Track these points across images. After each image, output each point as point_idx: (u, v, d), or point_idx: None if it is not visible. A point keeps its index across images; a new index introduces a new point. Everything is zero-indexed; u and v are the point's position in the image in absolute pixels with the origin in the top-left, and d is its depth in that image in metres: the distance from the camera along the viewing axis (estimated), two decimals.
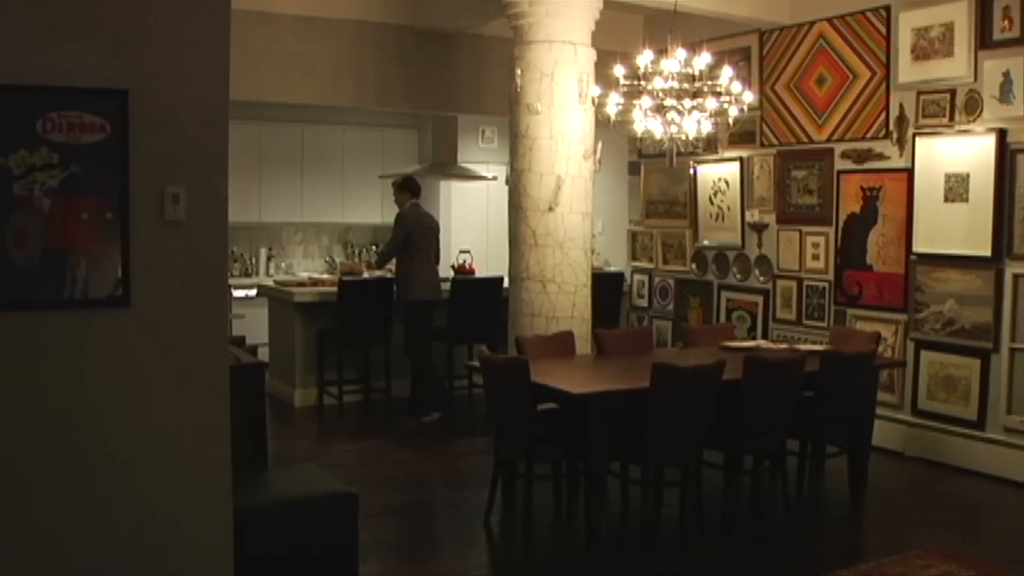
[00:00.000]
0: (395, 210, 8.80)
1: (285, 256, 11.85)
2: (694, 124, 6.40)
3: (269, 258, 11.64)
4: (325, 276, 10.55)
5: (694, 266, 9.55)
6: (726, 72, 6.37)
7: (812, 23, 8.17)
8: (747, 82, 7.91)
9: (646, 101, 6.30)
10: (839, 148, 8.00)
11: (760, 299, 8.82)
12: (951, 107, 7.09)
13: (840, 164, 8.00)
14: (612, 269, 10.54)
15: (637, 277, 10.32)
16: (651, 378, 5.33)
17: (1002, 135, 6.75)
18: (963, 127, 7.00)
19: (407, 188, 8.71)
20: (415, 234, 8.53)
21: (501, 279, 8.81)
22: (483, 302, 8.94)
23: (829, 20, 8.02)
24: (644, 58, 6.20)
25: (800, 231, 8.41)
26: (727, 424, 5.70)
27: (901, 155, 7.48)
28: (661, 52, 6.30)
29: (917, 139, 7.31)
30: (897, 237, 7.53)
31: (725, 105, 6.40)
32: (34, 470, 3.44)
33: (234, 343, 5.43)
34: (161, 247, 3.60)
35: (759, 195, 8.78)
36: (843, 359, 6.17)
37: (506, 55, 7.68)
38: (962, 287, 7.06)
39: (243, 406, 4.47)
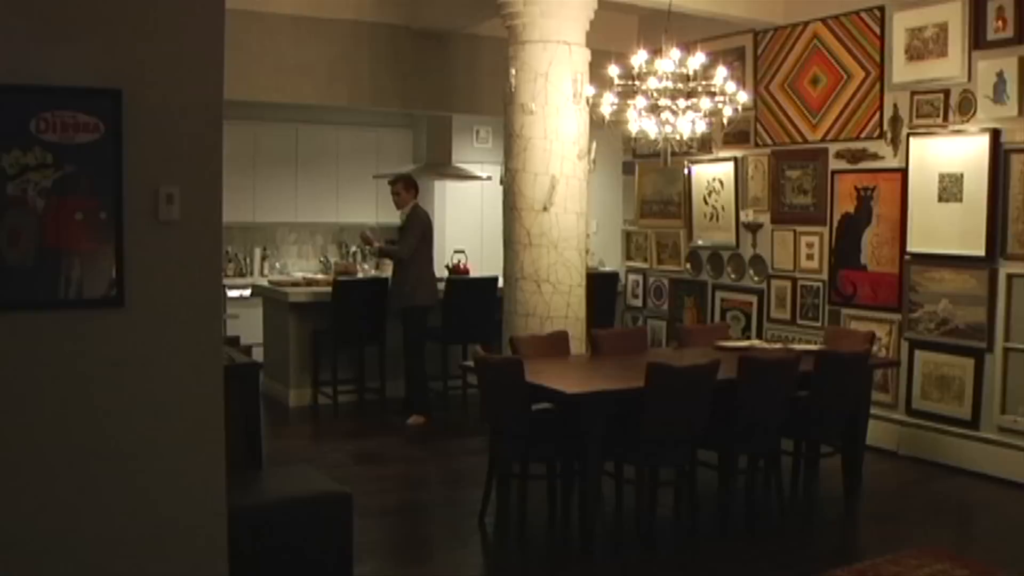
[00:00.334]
0: (391, 209, 8.79)
1: (279, 256, 11.83)
2: (688, 124, 6.41)
3: (263, 258, 11.62)
4: (319, 276, 10.56)
5: (688, 266, 9.56)
6: (720, 72, 6.37)
7: (806, 23, 8.18)
8: (741, 82, 7.92)
9: (640, 101, 6.31)
10: (833, 148, 8.00)
11: (754, 299, 8.83)
12: (945, 107, 7.10)
13: (834, 164, 8.00)
14: (607, 269, 10.54)
15: (632, 277, 10.32)
16: (646, 378, 5.33)
17: (996, 135, 6.76)
18: (957, 127, 7.02)
19: (413, 186, 8.67)
20: (426, 236, 8.52)
21: (496, 279, 8.80)
22: (478, 302, 8.94)
23: (823, 20, 8.03)
24: (638, 58, 6.20)
25: (794, 231, 8.42)
26: (722, 424, 5.70)
27: (895, 155, 7.49)
28: (655, 52, 6.30)
29: (911, 139, 7.32)
30: (891, 237, 7.54)
31: (719, 105, 6.40)
32: (29, 471, 3.44)
33: (228, 343, 5.44)
34: (155, 247, 3.59)
35: (753, 195, 8.78)
36: (837, 359, 6.17)
37: (501, 55, 7.68)
38: (956, 287, 7.07)
39: (238, 406, 4.47)
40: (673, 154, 7.37)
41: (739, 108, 6.57)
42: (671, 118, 6.36)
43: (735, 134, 8.71)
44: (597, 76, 6.85)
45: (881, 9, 7.54)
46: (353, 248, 11.98)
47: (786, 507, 6.19)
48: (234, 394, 4.23)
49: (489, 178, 11.27)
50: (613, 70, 6.30)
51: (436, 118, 11.15)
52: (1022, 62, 6.58)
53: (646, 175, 10.04)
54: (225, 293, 9.77)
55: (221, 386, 3.77)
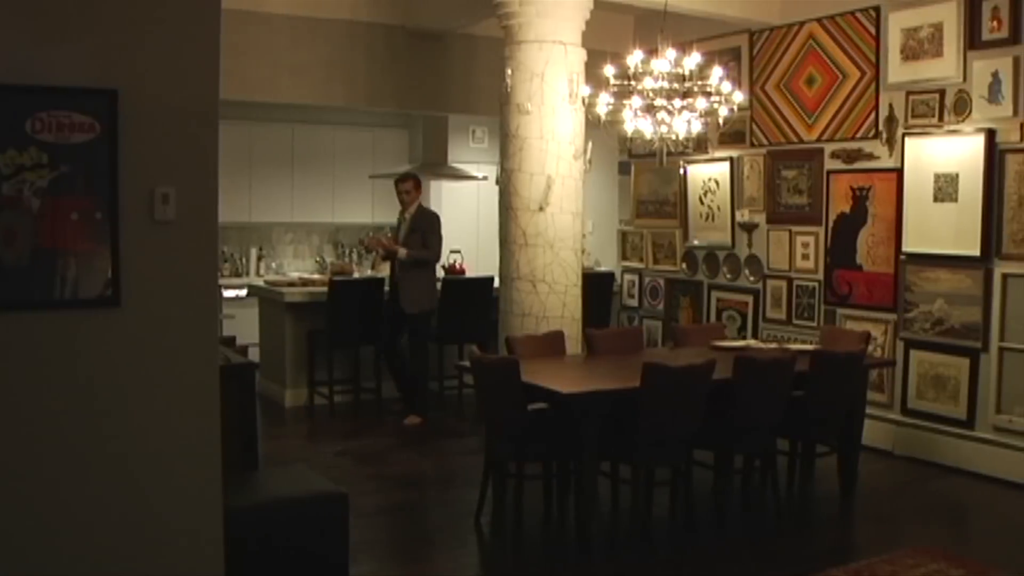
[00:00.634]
0: (387, 209, 8.74)
1: (275, 256, 11.82)
2: (684, 124, 6.41)
3: (259, 258, 11.61)
4: (315, 276, 10.54)
5: (684, 266, 9.56)
6: (716, 72, 6.37)
7: (802, 23, 8.19)
8: (737, 82, 7.92)
9: (636, 101, 6.31)
10: (829, 148, 8.01)
11: (750, 299, 8.84)
12: (940, 107, 7.11)
13: (830, 164, 8.01)
14: (602, 269, 10.55)
15: (627, 277, 10.33)
16: (641, 378, 5.33)
17: (991, 135, 6.77)
18: (952, 127, 7.02)
19: (420, 185, 8.67)
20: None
21: (491, 279, 8.80)
22: (473, 302, 8.94)
23: (819, 20, 8.03)
24: (634, 58, 6.20)
25: (790, 231, 8.42)
26: (717, 424, 5.70)
27: (891, 155, 7.50)
28: (651, 52, 6.30)
29: (906, 139, 7.33)
30: (887, 237, 7.55)
31: (715, 105, 6.40)
32: (25, 471, 3.43)
33: (224, 343, 5.44)
34: (151, 247, 3.59)
35: (749, 195, 8.79)
36: (833, 359, 6.18)
37: (496, 55, 7.68)
38: (951, 287, 7.08)
39: (233, 406, 4.47)
40: (669, 154, 7.36)
41: (735, 108, 6.57)
42: (667, 118, 6.36)
43: (731, 134, 8.72)
44: (593, 76, 6.85)
45: (876, 9, 7.55)
46: (349, 248, 11.98)
47: (782, 507, 6.19)
48: (230, 394, 4.23)
49: (485, 178, 11.27)
50: (609, 70, 6.30)
51: (432, 118, 11.15)
52: (1017, 62, 6.59)
53: (642, 175, 10.04)
54: (221, 293, 9.75)
55: (217, 386, 3.77)
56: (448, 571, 5.32)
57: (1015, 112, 6.62)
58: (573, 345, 7.20)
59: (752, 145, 8.73)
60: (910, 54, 7.27)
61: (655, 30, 6.42)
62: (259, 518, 4.32)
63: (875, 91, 7.58)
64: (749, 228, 8.79)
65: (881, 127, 7.55)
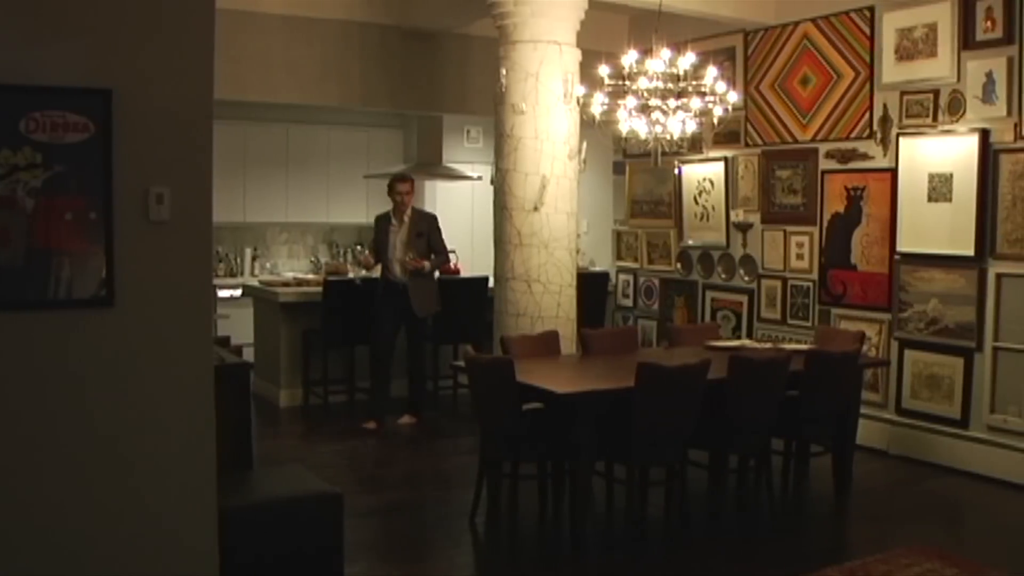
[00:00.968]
0: (381, 209, 8.62)
1: (270, 256, 11.81)
2: (679, 124, 6.41)
3: (254, 258, 11.61)
4: (310, 276, 10.54)
5: (679, 266, 9.57)
6: (711, 72, 6.37)
7: (796, 23, 8.19)
8: (732, 82, 7.92)
9: (631, 101, 6.30)
10: (823, 148, 8.02)
11: (745, 299, 8.84)
12: (934, 107, 7.12)
13: (824, 164, 8.02)
14: (597, 269, 10.56)
15: (622, 277, 10.33)
16: (636, 378, 5.34)
17: (985, 135, 6.78)
18: (946, 127, 7.03)
19: (414, 186, 8.57)
20: None
21: (486, 279, 8.80)
22: (468, 302, 8.94)
23: (813, 20, 8.04)
24: (629, 58, 6.20)
25: (785, 231, 8.43)
26: (712, 423, 5.71)
27: (885, 155, 7.51)
28: (646, 52, 6.30)
29: (901, 139, 7.34)
30: (881, 237, 7.56)
31: (710, 105, 6.40)
32: (19, 471, 3.43)
33: (219, 343, 5.42)
34: (145, 247, 3.59)
35: (744, 195, 8.80)
36: (827, 358, 6.19)
37: (491, 55, 7.68)
38: (946, 286, 7.08)
39: (228, 406, 4.46)
40: (663, 154, 7.38)
41: (729, 108, 6.57)
42: (661, 118, 6.36)
43: (725, 134, 8.72)
44: (588, 76, 6.85)
45: (871, 9, 7.56)
46: (344, 248, 11.97)
47: (776, 506, 6.20)
48: (225, 394, 4.22)
49: (480, 178, 11.27)
50: (603, 70, 6.30)
51: (427, 118, 11.14)
52: (1011, 62, 6.60)
53: (636, 175, 10.04)
54: (215, 293, 9.74)
55: (212, 386, 3.77)
56: (443, 571, 5.32)
57: (1009, 112, 6.63)
58: (568, 345, 7.20)
59: (747, 145, 8.73)
60: (904, 54, 7.29)
61: (650, 30, 6.42)
62: (254, 518, 4.31)
63: (869, 91, 7.59)
64: (744, 228, 8.79)
65: (875, 127, 7.56)
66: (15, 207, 3.38)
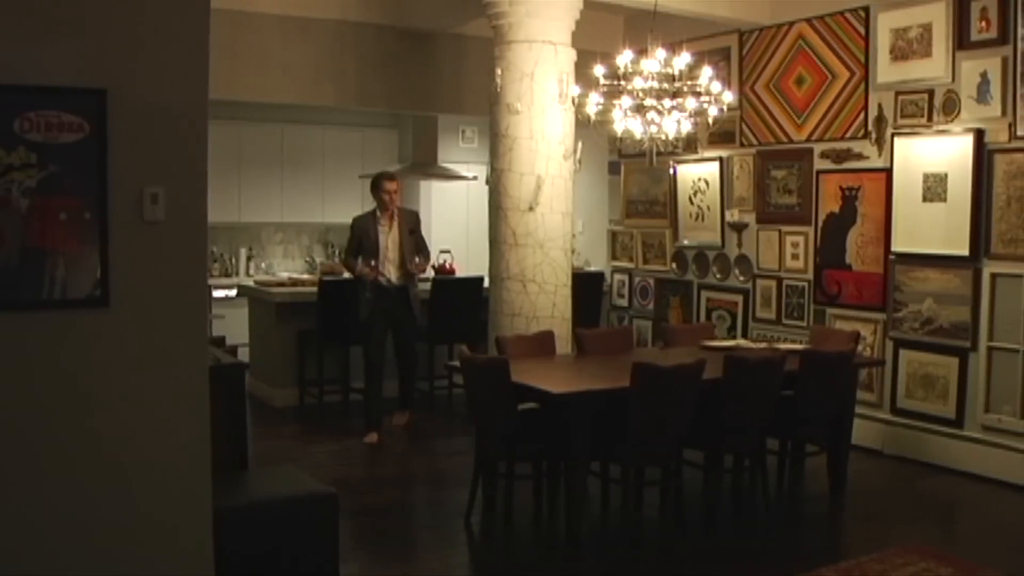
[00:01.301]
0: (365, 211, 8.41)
1: (265, 256, 11.80)
2: (674, 124, 6.42)
3: (249, 258, 11.59)
4: (305, 276, 10.53)
5: (674, 265, 9.57)
6: (706, 72, 6.38)
7: (791, 23, 8.20)
8: (727, 82, 7.93)
9: (626, 101, 6.31)
10: (818, 148, 8.03)
11: (740, 298, 8.85)
12: (929, 107, 7.13)
13: (819, 164, 8.03)
14: (592, 269, 10.55)
15: (617, 277, 10.33)
16: (631, 378, 5.34)
17: (979, 135, 6.79)
18: (941, 127, 7.04)
19: None
20: None
21: (481, 279, 8.80)
22: (463, 302, 8.93)
23: (808, 21, 8.05)
24: (624, 58, 6.21)
25: (780, 231, 8.44)
26: (707, 423, 5.71)
27: (880, 155, 7.51)
28: (641, 52, 6.31)
29: (896, 139, 7.35)
30: (876, 237, 7.56)
31: (705, 105, 6.42)
32: (13, 471, 3.42)
33: (214, 343, 5.42)
34: (140, 247, 3.58)
35: (739, 195, 8.80)
36: (822, 358, 6.19)
37: (486, 55, 7.67)
38: (940, 286, 7.09)
39: (223, 407, 4.46)
40: (658, 154, 7.37)
41: (724, 108, 6.59)
42: (656, 118, 6.37)
43: (720, 134, 8.73)
44: (583, 76, 6.85)
45: (866, 9, 7.57)
46: (339, 248, 11.96)
47: (771, 506, 6.20)
48: (220, 394, 4.22)
49: (475, 178, 11.26)
50: (599, 70, 6.31)
51: (422, 118, 11.13)
52: (1005, 63, 6.61)
53: (631, 175, 10.05)
54: (210, 293, 9.74)
55: (206, 386, 3.76)
56: (438, 571, 5.31)
57: (1003, 112, 6.65)
58: (563, 345, 7.20)
59: (742, 145, 8.74)
60: (899, 54, 7.29)
61: (645, 30, 6.43)
62: (249, 518, 4.31)
63: (864, 91, 7.60)
64: (739, 228, 8.80)
65: (870, 127, 7.56)
66: (10, 207, 3.38)
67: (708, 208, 9.12)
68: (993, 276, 6.78)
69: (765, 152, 8.53)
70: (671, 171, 9.42)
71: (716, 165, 8.96)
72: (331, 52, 8.89)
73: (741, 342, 7.37)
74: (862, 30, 7.60)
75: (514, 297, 7.39)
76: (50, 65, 3.41)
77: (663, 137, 6.52)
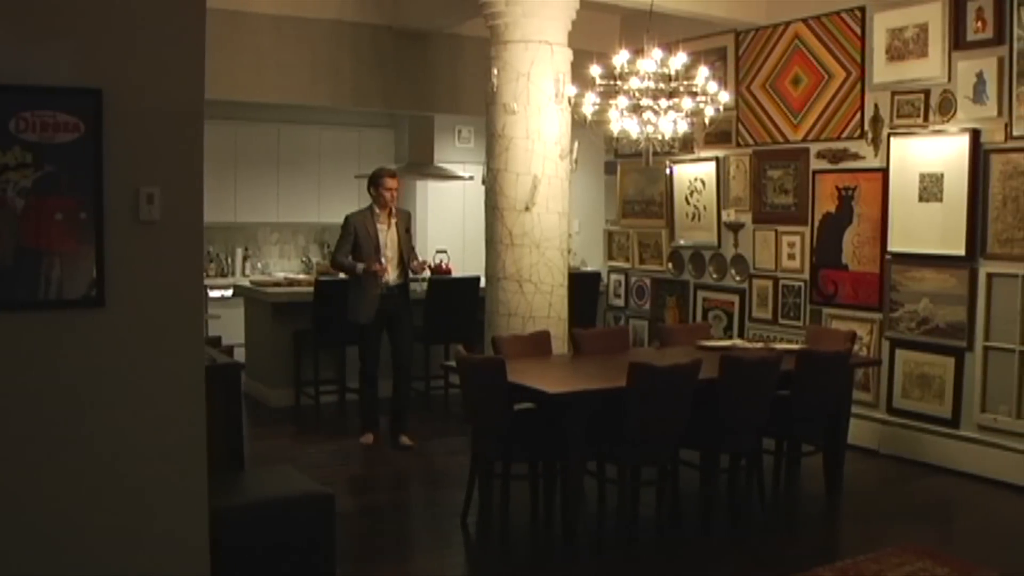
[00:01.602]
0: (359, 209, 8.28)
1: (261, 256, 11.80)
2: (670, 124, 6.41)
3: (245, 258, 11.58)
4: (301, 276, 10.52)
5: (670, 265, 9.57)
6: (702, 72, 6.38)
7: (787, 24, 8.21)
8: (723, 82, 7.94)
9: (622, 101, 6.31)
10: (814, 148, 8.03)
11: (736, 298, 8.85)
12: (925, 107, 7.13)
13: (815, 164, 8.03)
14: (589, 269, 10.56)
15: (614, 277, 10.33)
16: (627, 377, 5.33)
17: (975, 135, 6.80)
18: (937, 127, 7.05)
19: None
20: None
21: (477, 279, 8.79)
22: (460, 302, 8.92)
23: (804, 21, 8.05)
24: (620, 58, 6.20)
25: (776, 230, 8.44)
26: (703, 423, 5.71)
27: (876, 155, 7.52)
28: (637, 52, 6.31)
29: (892, 139, 7.36)
30: (872, 236, 7.57)
31: (701, 105, 6.41)
32: (9, 471, 3.42)
33: (210, 343, 5.41)
34: (136, 247, 3.58)
35: (735, 195, 8.81)
36: (819, 358, 6.19)
37: (483, 55, 7.68)
38: (936, 286, 7.10)
39: (219, 407, 4.45)
40: (655, 154, 7.36)
41: (720, 108, 6.58)
42: (653, 118, 6.36)
43: (717, 134, 8.73)
44: (579, 76, 6.85)
45: (862, 9, 7.57)
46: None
47: (768, 506, 6.21)
48: (216, 395, 4.22)
49: (471, 178, 11.26)
50: (595, 70, 6.30)
51: (418, 118, 11.13)
52: (1001, 63, 6.61)
53: (628, 175, 10.05)
54: (206, 293, 9.72)
55: (203, 387, 3.76)
56: (434, 571, 5.31)
57: (999, 112, 6.65)
58: (559, 345, 7.20)
59: (738, 145, 8.74)
60: (895, 54, 7.30)
61: (641, 30, 6.43)
62: (245, 519, 4.31)
63: (860, 91, 7.60)
64: (735, 228, 8.80)
65: (866, 127, 7.57)
66: (5, 207, 3.37)
67: (704, 208, 9.12)
68: (989, 276, 6.78)
69: (761, 152, 8.54)
70: (667, 171, 9.42)
71: (712, 165, 8.96)
72: (327, 52, 8.89)
73: (737, 342, 7.37)
74: (858, 30, 7.60)
75: (510, 297, 7.39)
76: (46, 65, 3.40)
77: (659, 137, 6.51)
